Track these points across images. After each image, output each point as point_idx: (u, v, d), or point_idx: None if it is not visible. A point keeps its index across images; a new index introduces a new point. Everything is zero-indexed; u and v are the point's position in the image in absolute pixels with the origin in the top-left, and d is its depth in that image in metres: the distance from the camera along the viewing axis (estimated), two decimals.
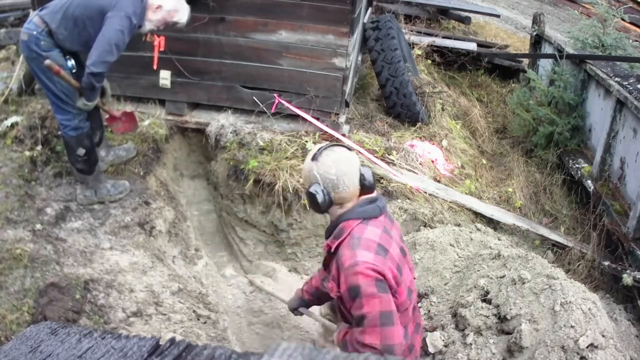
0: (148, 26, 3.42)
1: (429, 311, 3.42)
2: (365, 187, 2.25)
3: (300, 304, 2.90)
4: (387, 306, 2.09)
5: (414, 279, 2.43)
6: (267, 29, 4.28)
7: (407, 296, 2.23)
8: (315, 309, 3.05)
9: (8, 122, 4.21)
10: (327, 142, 2.30)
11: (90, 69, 3.20)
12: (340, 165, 2.18)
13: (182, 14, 3.50)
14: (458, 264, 3.66)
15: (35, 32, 3.28)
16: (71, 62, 3.41)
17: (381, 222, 2.23)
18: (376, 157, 4.47)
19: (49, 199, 3.81)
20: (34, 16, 3.34)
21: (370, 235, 2.16)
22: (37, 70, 3.38)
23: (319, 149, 2.23)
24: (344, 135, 4.45)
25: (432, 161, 4.87)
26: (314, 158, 2.22)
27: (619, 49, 5.98)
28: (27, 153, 4.03)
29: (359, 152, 4.40)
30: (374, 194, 2.29)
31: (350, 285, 2.10)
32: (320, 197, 2.18)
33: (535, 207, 5.09)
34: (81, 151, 3.59)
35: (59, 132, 3.67)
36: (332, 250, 2.21)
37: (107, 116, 3.88)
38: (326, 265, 2.41)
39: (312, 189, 2.20)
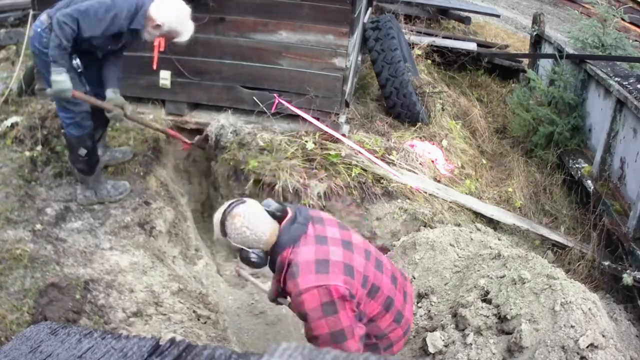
0: (147, 37, 3.40)
1: (429, 311, 3.42)
2: (277, 217, 2.24)
3: (278, 294, 2.79)
4: (336, 325, 2.11)
5: (376, 254, 2.40)
6: (267, 29, 4.27)
7: (362, 287, 2.22)
8: None
9: (8, 123, 4.21)
10: (223, 210, 2.23)
11: (57, 16, 3.11)
12: (247, 222, 2.18)
13: (184, 35, 3.42)
14: (458, 264, 3.66)
15: (39, 29, 3.29)
16: (76, 62, 3.37)
17: (311, 235, 2.21)
18: (376, 157, 4.47)
19: (49, 199, 3.81)
20: (42, 14, 3.35)
21: (304, 257, 2.15)
22: (40, 66, 3.40)
23: (221, 222, 2.21)
24: (343, 135, 4.45)
25: (432, 161, 4.86)
26: (224, 234, 2.21)
27: (619, 49, 5.98)
28: (27, 153, 4.03)
29: (359, 152, 4.40)
30: (290, 213, 2.27)
31: (299, 312, 2.16)
32: (254, 257, 2.19)
33: (535, 207, 5.09)
34: (82, 151, 3.58)
35: (62, 130, 3.66)
36: (282, 284, 2.23)
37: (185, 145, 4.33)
38: (279, 294, 2.55)
39: (244, 256, 2.21)
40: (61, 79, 3.17)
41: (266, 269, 2.48)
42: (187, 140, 4.36)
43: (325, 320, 2.10)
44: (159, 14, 3.27)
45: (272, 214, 2.22)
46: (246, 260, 2.21)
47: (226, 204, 2.26)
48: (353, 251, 2.24)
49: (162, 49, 3.92)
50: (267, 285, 3.28)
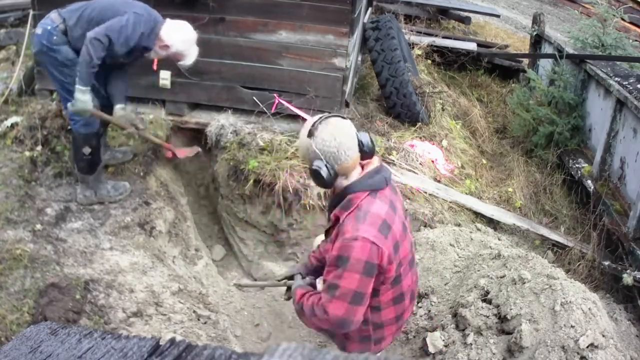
0: (153, 55, 3.54)
1: (429, 311, 3.42)
2: (365, 154, 2.22)
3: (299, 272, 2.69)
4: (364, 288, 2.11)
5: (413, 251, 2.43)
6: (267, 29, 4.27)
7: (395, 272, 2.23)
8: None
9: (8, 123, 4.21)
10: (320, 115, 2.19)
11: (89, 35, 3.20)
12: (338, 136, 2.12)
13: (189, 59, 3.57)
14: (458, 264, 3.66)
15: (49, 27, 3.34)
16: None
17: (387, 195, 2.21)
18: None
19: (49, 199, 3.81)
20: (53, 12, 3.41)
21: (377, 210, 2.13)
22: (48, 63, 3.43)
23: (314, 123, 2.15)
24: None
25: (432, 161, 4.87)
26: (310, 134, 2.14)
27: (619, 48, 5.98)
28: (27, 153, 4.03)
29: None
30: (377, 162, 2.26)
31: (341, 254, 2.10)
32: (325, 172, 2.13)
33: (535, 207, 5.09)
34: (87, 150, 3.61)
35: (69, 127, 3.68)
36: (341, 221, 2.17)
37: (169, 153, 4.14)
38: (328, 234, 2.41)
39: (315, 165, 2.14)
40: (85, 99, 3.30)
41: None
42: (177, 155, 4.20)
43: (359, 278, 2.08)
44: (169, 36, 3.43)
45: (361, 146, 2.20)
46: (316, 172, 2.15)
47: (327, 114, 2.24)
48: (405, 235, 2.26)
49: (154, 68, 3.93)
50: (271, 281, 3.22)
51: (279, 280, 2.78)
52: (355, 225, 2.09)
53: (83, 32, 3.32)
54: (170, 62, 4.29)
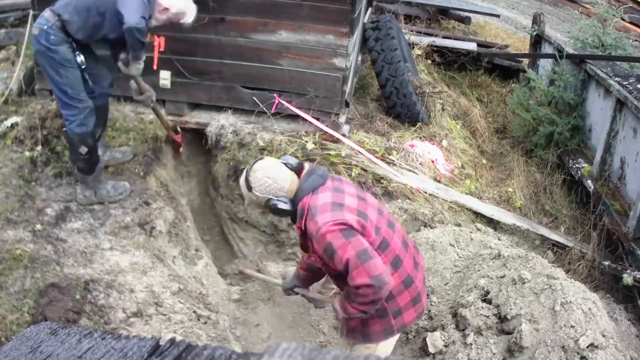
0: (154, 23, 3.52)
1: (429, 311, 3.42)
2: (295, 169, 2.49)
3: (296, 283, 2.94)
4: (360, 246, 2.26)
5: (387, 217, 2.56)
6: (267, 29, 4.28)
7: (375, 234, 2.39)
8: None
9: (8, 123, 4.21)
10: (245, 170, 2.50)
11: (127, 23, 3.23)
12: (267, 173, 2.42)
13: (189, 16, 3.59)
14: (458, 264, 3.66)
15: (45, 27, 3.33)
16: (80, 58, 3.45)
17: (329, 186, 2.43)
18: (376, 157, 4.47)
19: (49, 199, 3.81)
20: (46, 11, 3.40)
21: (321, 201, 2.35)
22: (45, 64, 3.42)
23: (246, 179, 2.46)
24: (344, 135, 4.45)
25: (432, 161, 4.87)
26: (249, 190, 2.44)
27: (619, 48, 5.98)
28: (27, 153, 4.03)
29: (359, 152, 4.40)
30: (307, 168, 2.52)
31: (324, 247, 2.29)
32: (280, 204, 2.40)
33: (535, 207, 5.09)
34: (83, 149, 3.60)
35: (64, 129, 3.68)
36: (303, 229, 2.40)
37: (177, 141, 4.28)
38: (304, 246, 2.58)
39: (271, 205, 2.41)
40: (141, 67, 3.61)
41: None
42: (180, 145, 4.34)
43: (349, 244, 2.24)
44: None
45: (290, 167, 2.47)
46: (276, 209, 2.41)
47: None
48: (367, 205, 2.44)
49: (162, 49, 3.95)
50: (279, 278, 3.34)
51: (287, 290, 2.98)
52: (314, 223, 2.31)
53: (83, 21, 3.35)
54: (170, 61, 4.30)
